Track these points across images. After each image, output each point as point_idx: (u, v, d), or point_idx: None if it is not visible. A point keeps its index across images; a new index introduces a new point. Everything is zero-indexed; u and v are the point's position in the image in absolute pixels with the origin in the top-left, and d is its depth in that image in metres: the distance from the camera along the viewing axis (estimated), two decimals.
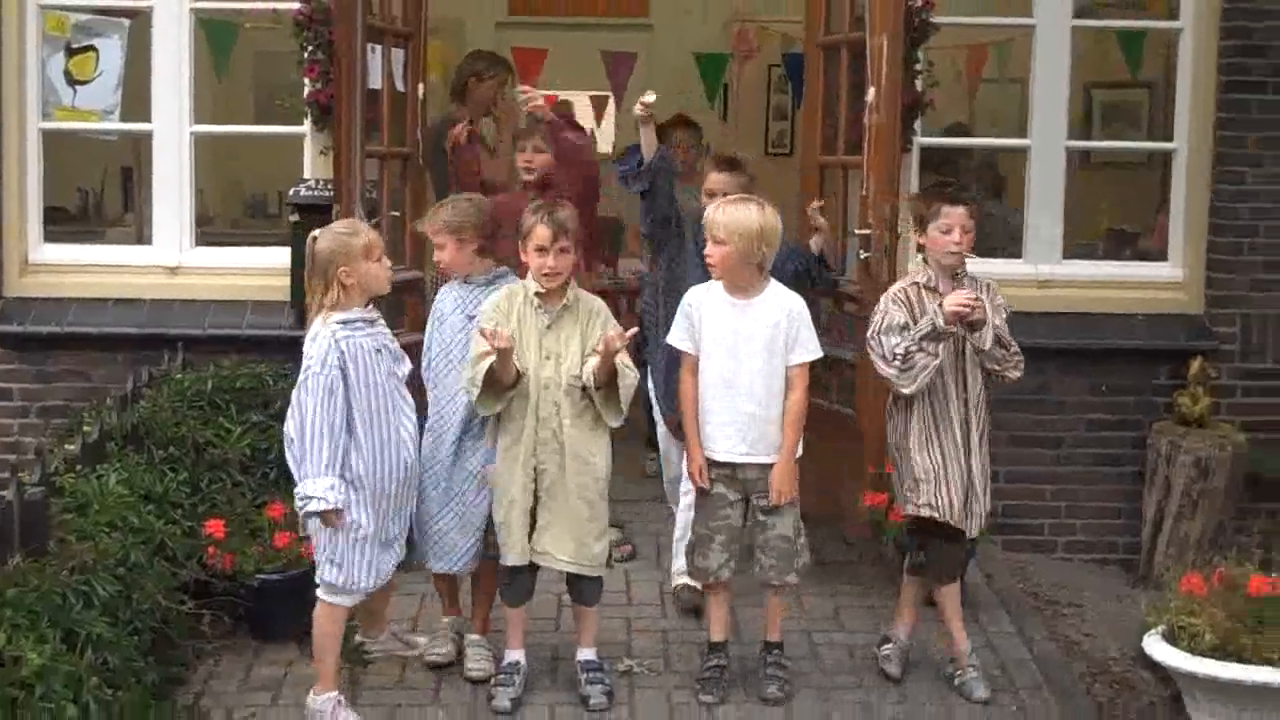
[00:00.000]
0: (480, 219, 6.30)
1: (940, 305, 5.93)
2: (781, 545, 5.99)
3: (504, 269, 6.38)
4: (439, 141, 8.27)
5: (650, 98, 6.67)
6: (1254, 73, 7.94)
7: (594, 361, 5.89)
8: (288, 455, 5.70)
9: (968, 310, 5.90)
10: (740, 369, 5.93)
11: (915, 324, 6.03)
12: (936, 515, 6.10)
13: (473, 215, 6.29)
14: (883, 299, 6.22)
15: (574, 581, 6.10)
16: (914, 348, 5.96)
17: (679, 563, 6.91)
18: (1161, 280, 8.27)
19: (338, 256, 5.69)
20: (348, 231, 5.82)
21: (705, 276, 6.30)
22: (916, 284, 6.17)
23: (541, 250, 5.92)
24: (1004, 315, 6.17)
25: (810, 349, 5.99)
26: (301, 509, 5.63)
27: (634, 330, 6.08)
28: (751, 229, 5.85)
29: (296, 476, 5.65)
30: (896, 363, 6.00)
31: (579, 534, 5.96)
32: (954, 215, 6.08)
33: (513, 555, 5.98)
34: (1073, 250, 8.40)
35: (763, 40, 12.81)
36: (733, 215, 5.88)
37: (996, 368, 6.10)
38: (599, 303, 6.12)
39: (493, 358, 5.80)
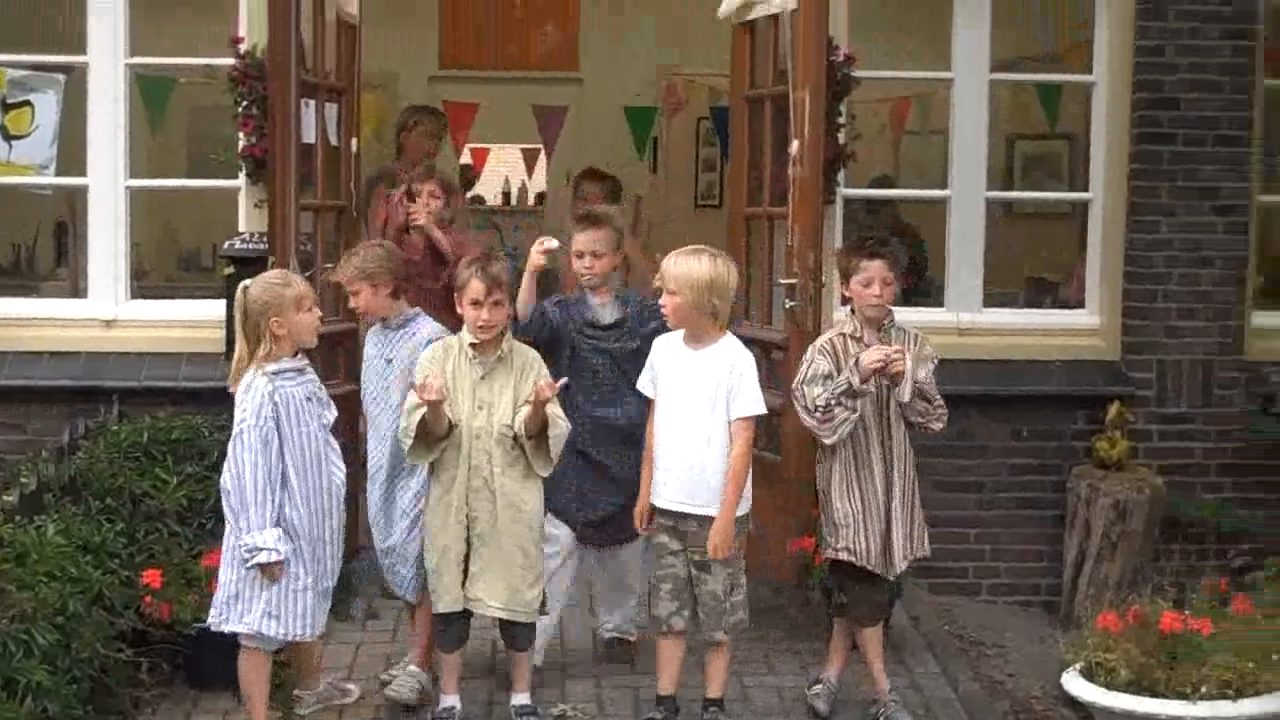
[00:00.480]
0: (392, 263, 6.48)
1: (855, 364, 6.08)
2: (710, 602, 6.05)
3: (416, 310, 6.54)
4: (373, 194, 8.42)
5: (551, 244, 6.43)
6: (1165, 124, 8.15)
7: (526, 410, 5.99)
8: (225, 508, 5.78)
9: (881, 366, 6.05)
10: (683, 418, 6.01)
11: (839, 373, 6.20)
12: (854, 560, 6.26)
13: (385, 260, 6.46)
14: (809, 349, 6.37)
15: (507, 627, 6.20)
16: (833, 401, 6.11)
17: (606, 617, 7.01)
18: (1079, 327, 8.45)
19: (270, 307, 5.77)
20: (280, 282, 5.90)
21: (591, 385, 6.48)
22: (843, 335, 6.33)
23: (476, 304, 6.03)
24: (931, 366, 6.31)
25: (750, 404, 5.98)
26: (248, 561, 5.70)
27: (564, 380, 6.18)
28: (701, 280, 5.91)
29: (236, 529, 5.74)
30: (818, 414, 6.14)
31: (511, 581, 6.06)
32: (872, 269, 6.25)
33: (444, 602, 6.08)
34: (997, 298, 8.57)
35: (691, 94, 13.03)
36: (682, 266, 5.95)
37: (919, 420, 6.25)
38: (533, 354, 6.24)
39: (424, 409, 5.91)
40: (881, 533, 6.28)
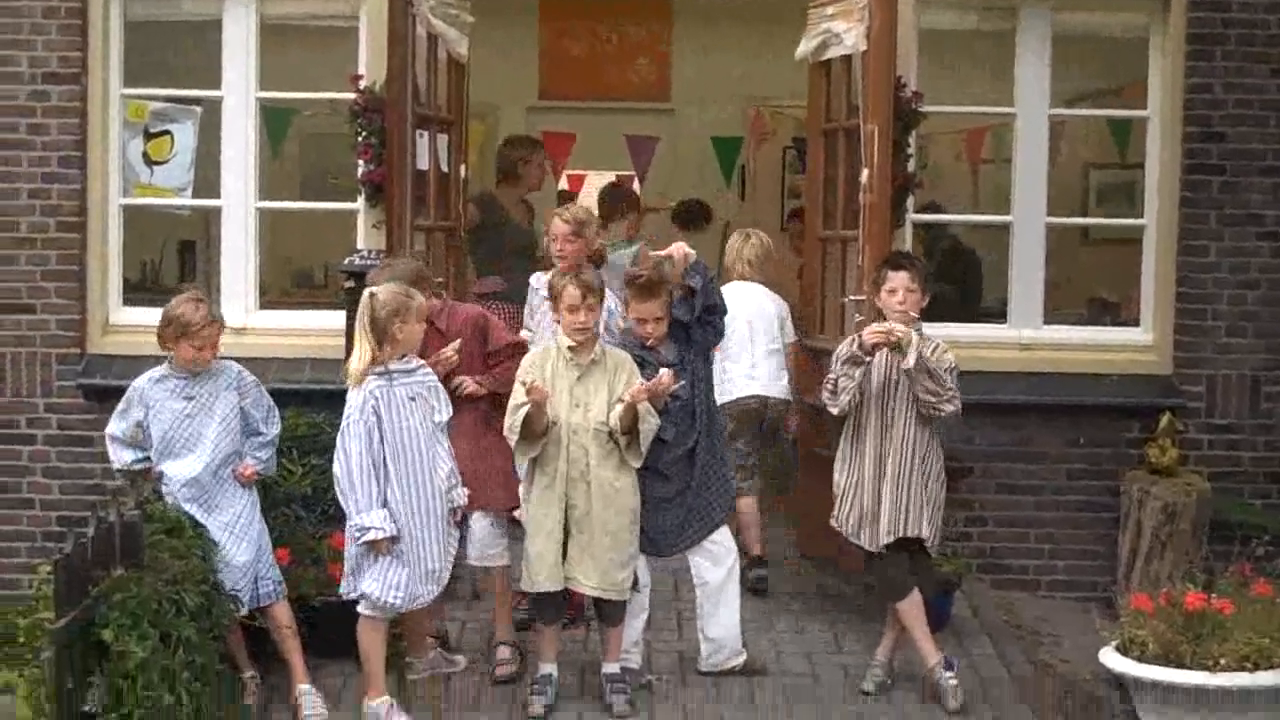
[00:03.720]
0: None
1: (860, 334, 6.79)
2: None
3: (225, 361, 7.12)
4: (485, 213, 9.07)
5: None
6: (1214, 156, 8.63)
7: (620, 408, 6.57)
8: (337, 492, 6.46)
9: (883, 339, 6.69)
10: None
11: None
12: (837, 526, 7.03)
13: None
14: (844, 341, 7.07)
15: (600, 604, 6.81)
16: (839, 373, 6.80)
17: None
18: (1134, 344, 8.92)
19: (397, 314, 6.41)
20: (404, 293, 6.50)
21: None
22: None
23: (573, 309, 6.64)
24: (946, 368, 6.84)
25: None
26: (359, 538, 6.39)
27: (649, 386, 6.60)
28: None
29: (348, 511, 6.42)
30: (829, 387, 6.89)
31: (603, 564, 6.65)
32: (896, 279, 6.94)
33: (548, 582, 6.66)
34: (1071, 317, 9.04)
35: (778, 124, 13.37)
36: None
37: (930, 399, 6.80)
38: (625, 356, 6.80)
39: (528, 406, 6.51)
40: (870, 507, 6.92)
